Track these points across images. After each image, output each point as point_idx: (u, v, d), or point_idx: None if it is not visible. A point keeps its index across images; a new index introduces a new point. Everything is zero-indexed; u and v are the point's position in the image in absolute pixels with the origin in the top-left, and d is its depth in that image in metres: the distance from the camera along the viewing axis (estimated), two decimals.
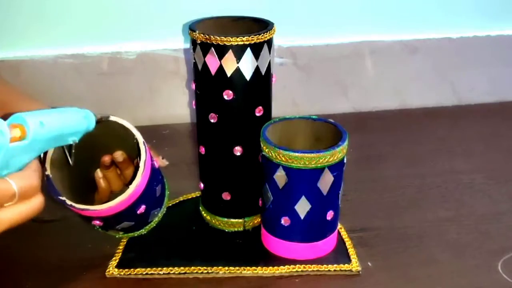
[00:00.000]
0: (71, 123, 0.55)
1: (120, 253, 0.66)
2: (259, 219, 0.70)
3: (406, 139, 0.98)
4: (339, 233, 0.70)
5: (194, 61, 0.64)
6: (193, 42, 0.63)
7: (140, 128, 0.59)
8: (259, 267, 0.64)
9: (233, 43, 0.60)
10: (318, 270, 0.64)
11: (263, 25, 0.64)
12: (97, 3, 0.92)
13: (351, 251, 0.67)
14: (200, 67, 0.63)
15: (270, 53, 0.64)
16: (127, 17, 0.94)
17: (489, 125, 1.04)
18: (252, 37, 0.60)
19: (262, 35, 0.61)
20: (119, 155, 0.66)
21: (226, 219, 0.71)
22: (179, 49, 0.97)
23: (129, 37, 0.96)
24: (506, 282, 0.63)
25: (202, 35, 0.61)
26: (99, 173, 0.68)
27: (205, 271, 0.63)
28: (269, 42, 0.63)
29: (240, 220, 0.71)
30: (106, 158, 0.66)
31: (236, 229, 0.71)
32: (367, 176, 0.85)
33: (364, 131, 1.01)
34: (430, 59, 1.07)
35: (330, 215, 0.64)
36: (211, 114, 0.65)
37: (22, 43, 0.93)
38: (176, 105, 1.02)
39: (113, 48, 0.95)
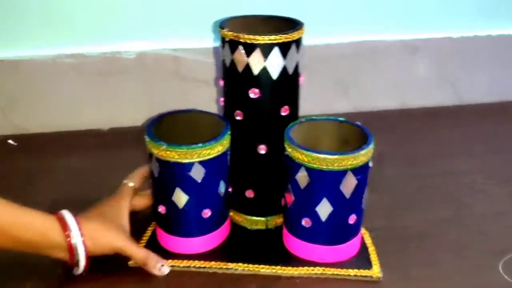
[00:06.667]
0: None
1: (144, 243, 0.67)
2: (282, 219, 0.70)
3: (406, 139, 0.98)
4: (362, 237, 0.69)
5: (222, 58, 0.65)
6: (222, 40, 0.64)
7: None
8: (278, 267, 0.64)
9: (260, 41, 0.60)
10: (337, 274, 0.63)
11: (293, 25, 0.64)
12: (97, 3, 0.92)
13: (373, 257, 0.65)
14: (228, 64, 0.64)
15: (298, 53, 0.64)
16: (127, 17, 0.94)
17: (489, 125, 1.04)
18: (280, 36, 0.61)
19: (290, 35, 0.61)
20: None
21: (249, 216, 0.71)
22: (179, 49, 0.97)
23: (129, 37, 0.96)
24: (507, 282, 0.62)
25: (231, 33, 0.61)
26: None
27: (224, 267, 0.64)
28: (298, 42, 0.63)
29: (263, 219, 0.71)
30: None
31: (258, 227, 0.71)
32: None
33: None
34: (430, 59, 1.07)
35: (352, 219, 0.63)
36: (237, 111, 0.65)
37: (22, 43, 0.93)
38: (176, 105, 1.01)
39: (113, 48, 0.95)
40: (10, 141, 0.95)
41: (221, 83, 0.67)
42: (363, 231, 0.69)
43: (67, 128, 0.98)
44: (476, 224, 0.73)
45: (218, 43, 0.98)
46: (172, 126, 0.68)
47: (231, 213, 0.72)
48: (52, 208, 0.60)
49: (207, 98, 0.97)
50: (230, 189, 0.69)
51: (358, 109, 1.08)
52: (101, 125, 1.00)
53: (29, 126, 0.97)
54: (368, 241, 0.69)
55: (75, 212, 0.60)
